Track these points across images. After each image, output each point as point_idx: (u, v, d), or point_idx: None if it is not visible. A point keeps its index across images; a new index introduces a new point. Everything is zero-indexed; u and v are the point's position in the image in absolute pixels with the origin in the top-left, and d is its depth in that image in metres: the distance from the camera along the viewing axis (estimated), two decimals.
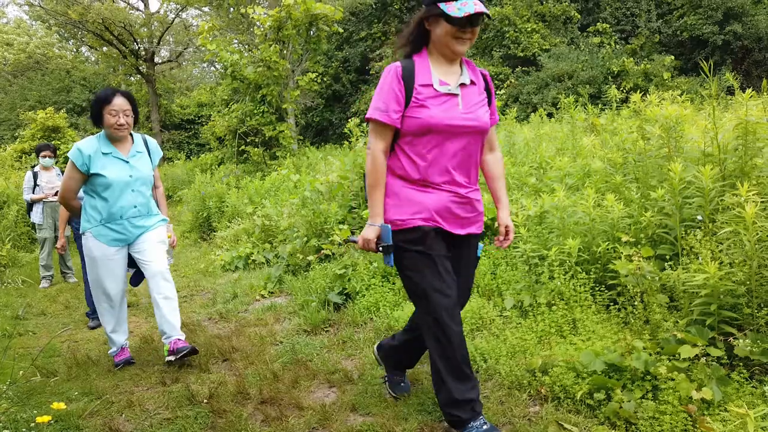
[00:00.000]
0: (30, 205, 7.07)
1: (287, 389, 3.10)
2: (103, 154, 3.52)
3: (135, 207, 3.59)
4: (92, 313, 4.90)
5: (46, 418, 1.38)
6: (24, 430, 2.55)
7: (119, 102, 3.50)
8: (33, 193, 6.98)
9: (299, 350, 3.70)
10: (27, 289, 6.72)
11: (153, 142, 3.83)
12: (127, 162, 3.59)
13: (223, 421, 2.80)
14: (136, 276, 3.87)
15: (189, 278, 6.61)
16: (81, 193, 4.10)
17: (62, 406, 1.42)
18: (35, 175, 7.01)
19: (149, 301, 5.65)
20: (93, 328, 4.85)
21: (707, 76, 3.16)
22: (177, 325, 3.63)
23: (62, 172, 7.10)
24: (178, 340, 3.57)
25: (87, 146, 3.49)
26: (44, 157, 6.93)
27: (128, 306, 5.58)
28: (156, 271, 3.60)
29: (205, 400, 3.02)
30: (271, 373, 3.30)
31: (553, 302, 3.34)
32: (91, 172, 3.47)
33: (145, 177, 3.64)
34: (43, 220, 6.99)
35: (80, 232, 3.63)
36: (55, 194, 6.84)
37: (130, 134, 3.69)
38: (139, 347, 4.11)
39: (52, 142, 15.50)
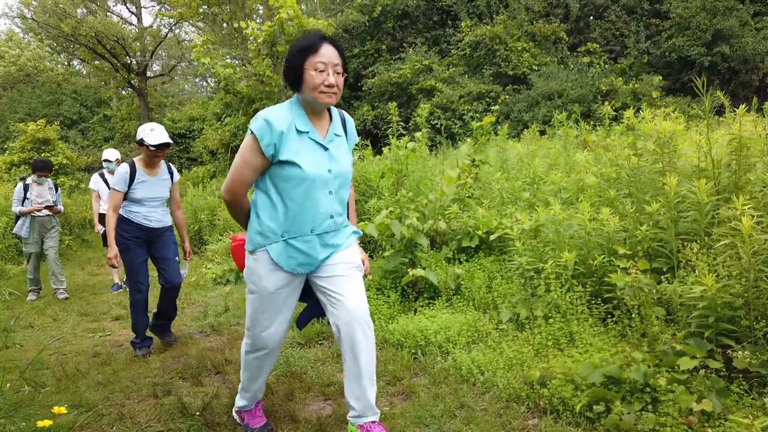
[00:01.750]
0: (18, 217, 6.85)
1: (282, 402, 3.06)
2: (297, 132, 2.34)
3: (331, 218, 2.43)
4: (141, 342, 4.27)
5: (47, 423, 1.34)
6: None
7: (329, 53, 2.32)
8: (22, 205, 6.74)
9: (293, 363, 3.66)
10: (14, 302, 6.61)
11: (351, 123, 2.63)
12: (327, 149, 2.40)
13: None
14: (306, 314, 2.72)
15: (180, 291, 6.53)
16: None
17: (63, 410, 1.38)
18: (26, 188, 6.78)
19: None
20: (143, 356, 4.17)
21: (701, 94, 3.21)
22: (373, 399, 2.42)
23: (55, 185, 7.02)
24: (373, 424, 2.42)
25: (279, 118, 2.31)
26: (40, 176, 6.75)
27: (116, 319, 5.54)
28: (355, 315, 2.36)
29: (198, 413, 2.97)
30: (265, 386, 3.25)
31: (549, 315, 3.34)
32: (280, 158, 2.30)
33: (346, 173, 2.47)
34: (29, 235, 6.75)
35: (248, 249, 2.47)
36: (46, 208, 6.72)
37: (327, 109, 2.49)
38: (129, 360, 4.05)
39: (42, 155, 15.38)
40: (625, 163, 4.25)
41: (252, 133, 2.30)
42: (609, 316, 3.22)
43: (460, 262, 4.56)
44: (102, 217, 6.85)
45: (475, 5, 17.67)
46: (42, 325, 5.44)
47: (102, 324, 5.28)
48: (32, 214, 6.73)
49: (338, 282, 2.42)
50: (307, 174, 2.30)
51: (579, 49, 17.05)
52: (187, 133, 24.88)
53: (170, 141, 4.26)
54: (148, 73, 26.25)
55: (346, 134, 2.55)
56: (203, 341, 4.45)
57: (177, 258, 4.43)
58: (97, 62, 24.70)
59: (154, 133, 4.19)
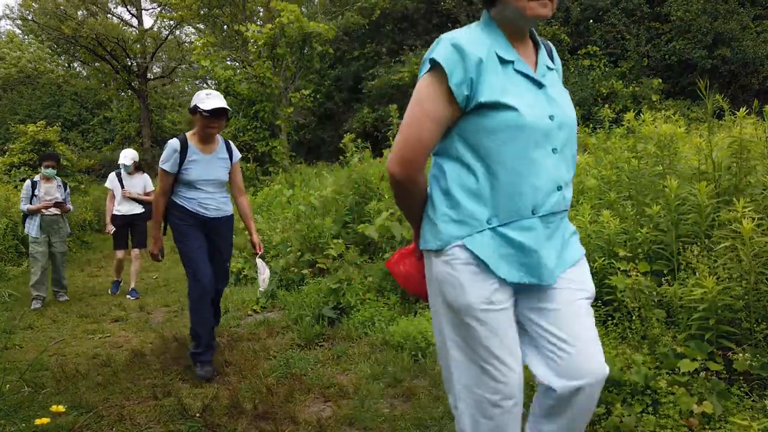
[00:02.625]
0: (25, 216, 6.51)
1: (282, 403, 3.05)
2: (501, 62, 1.58)
3: (559, 190, 1.62)
4: (202, 353, 3.57)
5: (45, 420, 1.34)
6: None
7: None
8: (30, 203, 6.39)
9: (293, 364, 3.65)
10: (13, 303, 6.61)
11: (557, 55, 1.83)
12: (542, 86, 1.63)
13: None
14: None
15: (179, 293, 6.53)
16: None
17: (61, 409, 1.38)
18: (34, 185, 6.41)
19: (138, 315, 5.59)
20: (206, 377, 3.51)
21: (703, 96, 3.21)
22: None
23: (64, 184, 6.68)
24: None
25: (473, 41, 1.56)
26: (47, 167, 6.40)
27: (115, 321, 5.54)
28: (596, 376, 1.60)
29: (197, 414, 2.97)
30: (265, 387, 3.25)
31: None
32: (480, 100, 1.53)
33: (572, 123, 1.67)
34: (38, 234, 6.40)
35: (425, 247, 1.67)
36: (55, 206, 6.40)
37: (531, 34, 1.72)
38: (129, 361, 4.04)
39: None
40: (625, 166, 4.26)
41: (433, 67, 1.54)
42: (609, 318, 3.22)
43: None
44: (114, 218, 6.63)
45: (475, 8, 17.71)
46: (41, 326, 5.43)
47: (102, 326, 5.27)
48: (40, 212, 6.38)
49: (566, 319, 1.61)
50: (526, 121, 1.52)
51: (579, 52, 17.08)
52: None
53: (228, 108, 3.59)
54: (149, 75, 26.31)
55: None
56: None
57: (228, 260, 3.89)
58: (97, 64, 24.75)
59: (210, 98, 3.49)
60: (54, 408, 1.34)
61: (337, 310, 4.50)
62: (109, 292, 6.92)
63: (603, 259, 3.38)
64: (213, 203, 3.65)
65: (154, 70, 28.59)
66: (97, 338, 4.85)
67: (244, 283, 6.40)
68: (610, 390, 2.52)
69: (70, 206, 6.70)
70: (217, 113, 3.47)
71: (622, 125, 4.54)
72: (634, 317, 2.90)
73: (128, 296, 6.56)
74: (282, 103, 12.40)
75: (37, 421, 1.36)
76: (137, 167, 6.70)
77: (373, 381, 3.28)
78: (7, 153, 15.93)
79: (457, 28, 1.69)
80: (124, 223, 6.64)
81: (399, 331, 3.80)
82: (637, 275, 2.92)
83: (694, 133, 5.31)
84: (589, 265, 3.42)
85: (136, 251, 6.69)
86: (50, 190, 6.49)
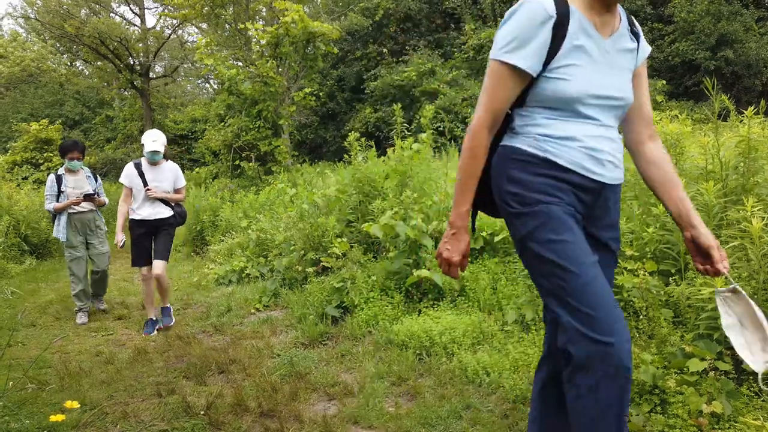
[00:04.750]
0: (54, 217, 5.57)
1: (287, 402, 3.04)
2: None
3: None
4: None
5: (60, 417, 1.32)
6: None
7: None
8: (57, 201, 5.45)
9: (297, 363, 3.64)
10: (16, 300, 6.60)
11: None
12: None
13: None
14: None
15: (182, 291, 6.53)
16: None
17: (75, 404, 1.37)
18: (59, 180, 5.46)
19: (141, 313, 5.58)
20: None
21: (710, 95, 3.19)
22: None
23: (94, 174, 5.74)
24: None
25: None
26: (72, 159, 5.45)
27: (118, 319, 5.52)
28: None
29: (202, 412, 2.96)
30: (269, 386, 3.24)
31: None
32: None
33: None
34: (67, 235, 5.44)
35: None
36: (86, 200, 5.45)
37: None
38: (132, 359, 4.03)
39: (45, 155, 15.38)
40: (631, 166, 4.24)
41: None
42: None
43: None
44: (132, 225, 4.97)
45: (480, 8, 17.70)
46: (44, 324, 5.43)
47: (104, 323, 5.27)
48: (70, 209, 5.45)
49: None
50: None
51: None
52: (189, 134, 24.93)
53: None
54: (151, 74, 26.28)
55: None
56: (206, 341, 4.44)
57: None
58: (99, 63, 24.73)
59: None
60: (68, 404, 1.33)
61: (341, 309, 4.49)
62: (143, 333, 4.84)
63: None
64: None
65: (157, 69, 28.56)
66: (100, 336, 4.84)
67: (246, 282, 6.39)
68: None
69: (104, 198, 5.72)
70: None
71: None
72: (641, 317, 2.88)
73: (145, 332, 4.84)
74: (285, 103, 12.40)
75: (52, 418, 1.35)
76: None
77: (378, 379, 3.27)
78: (10, 151, 15.96)
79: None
80: (146, 230, 4.94)
81: (403, 330, 3.78)
82: (644, 274, 2.90)
83: (698, 133, 5.29)
84: None
85: (159, 265, 4.91)
86: (79, 182, 5.55)
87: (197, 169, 15.22)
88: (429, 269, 4.32)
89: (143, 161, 5.01)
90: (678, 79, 16.12)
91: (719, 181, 3.27)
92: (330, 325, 4.34)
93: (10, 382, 3.42)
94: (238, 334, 4.51)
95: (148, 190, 4.87)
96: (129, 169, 4.98)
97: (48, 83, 26.74)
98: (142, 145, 5.03)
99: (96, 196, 5.50)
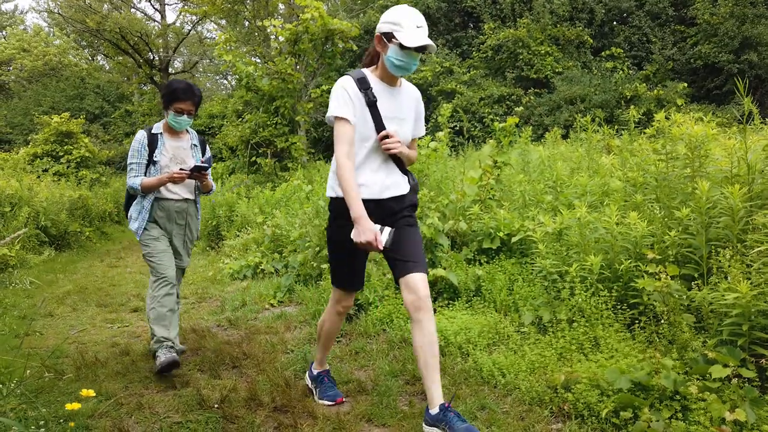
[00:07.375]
0: (130, 199, 3.71)
1: (300, 397, 3.03)
2: None
3: None
4: None
5: (76, 405, 1.33)
6: (33, 428, 2.49)
7: None
8: (146, 174, 3.58)
9: (311, 359, 3.63)
10: (35, 290, 6.68)
11: None
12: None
13: (235, 426, 2.74)
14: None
15: (197, 285, 6.56)
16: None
17: (91, 393, 1.37)
18: (153, 141, 3.60)
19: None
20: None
21: (741, 96, 3.13)
22: None
23: (202, 142, 3.88)
24: None
25: None
26: (179, 112, 3.56)
27: (134, 311, 5.56)
28: None
29: (216, 405, 2.96)
30: (283, 381, 3.24)
31: (573, 319, 3.27)
32: None
33: None
34: (156, 231, 3.63)
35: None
36: (191, 177, 3.55)
37: None
38: (147, 351, 4.05)
39: (65, 148, 15.52)
40: (652, 168, 4.17)
41: None
42: (635, 322, 3.15)
43: (481, 264, 4.50)
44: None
45: (499, 8, 17.57)
46: (61, 314, 5.48)
47: (120, 315, 5.31)
48: (165, 188, 3.61)
49: None
50: None
51: (602, 54, 16.87)
52: (207, 129, 25.10)
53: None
54: (170, 70, 26.52)
55: None
56: (221, 335, 4.45)
57: None
58: (120, 58, 25.01)
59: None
60: (84, 392, 1.34)
61: (355, 307, 4.47)
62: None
63: (629, 261, 3.31)
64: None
65: (176, 65, 28.84)
66: (116, 327, 4.88)
67: (261, 278, 6.40)
68: (637, 394, 2.46)
69: (212, 183, 3.82)
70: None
71: (653, 125, 4.43)
72: (662, 321, 2.83)
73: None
74: (302, 99, 12.41)
75: (68, 406, 1.35)
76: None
77: (392, 378, 3.25)
78: (31, 143, 16.16)
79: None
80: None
81: None
82: (666, 278, 2.85)
83: (721, 137, 5.19)
84: (615, 268, 3.35)
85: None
86: (179, 151, 3.70)
87: (214, 165, 15.31)
88: (445, 268, 4.29)
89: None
90: (700, 82, 15.87)
91: (745, 184, 3.20)
92: (344, 322, 4.33)
93: (28, 371, 3.45)
94: (253, 329, 4.51)
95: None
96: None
97: (69, 77, 27.05)
98: None
99: (204, 173, 3.61)
